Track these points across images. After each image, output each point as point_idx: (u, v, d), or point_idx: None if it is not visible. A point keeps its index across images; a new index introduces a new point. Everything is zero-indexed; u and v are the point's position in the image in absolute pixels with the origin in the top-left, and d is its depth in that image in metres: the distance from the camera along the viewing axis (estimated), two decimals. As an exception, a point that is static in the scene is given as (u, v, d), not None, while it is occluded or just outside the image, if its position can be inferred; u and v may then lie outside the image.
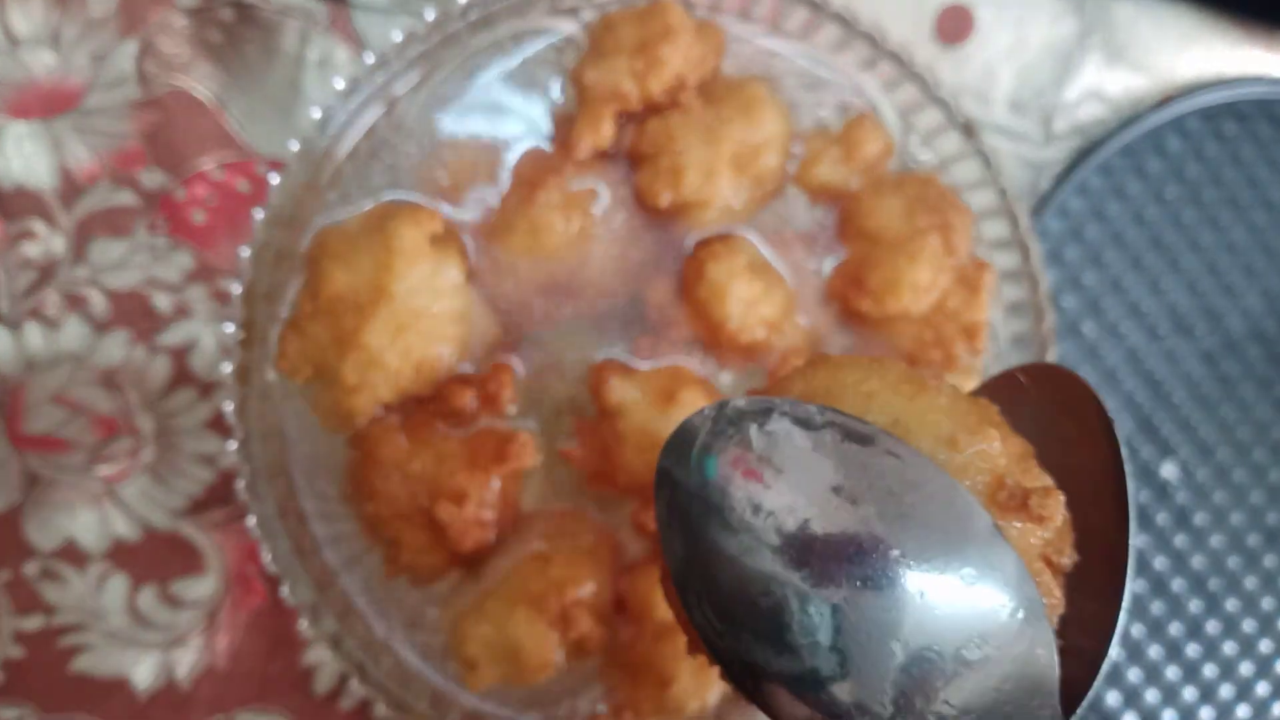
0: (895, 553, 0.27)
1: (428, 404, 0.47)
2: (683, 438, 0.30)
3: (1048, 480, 0.30)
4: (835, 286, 0.49)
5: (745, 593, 0.28)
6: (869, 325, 0.49)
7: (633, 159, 0.48)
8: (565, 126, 0.48)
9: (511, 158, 0.48)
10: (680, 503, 0.29)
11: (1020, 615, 0.27)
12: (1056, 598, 0.29)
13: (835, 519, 0.27)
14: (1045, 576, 0.29)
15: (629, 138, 0.48)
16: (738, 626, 0.28)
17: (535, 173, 0.47)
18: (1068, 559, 0.29)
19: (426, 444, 0.46)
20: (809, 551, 0.27)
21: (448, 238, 0.47)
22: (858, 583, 0.27)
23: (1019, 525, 0.28)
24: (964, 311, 0.48)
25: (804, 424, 0.29)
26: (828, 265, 0.50)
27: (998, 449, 0.29)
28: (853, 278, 0.48)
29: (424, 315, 0.45)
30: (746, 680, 0.29)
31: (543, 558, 0.46)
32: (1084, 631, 0.31)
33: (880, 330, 0.49)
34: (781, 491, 0.28)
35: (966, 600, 0.27)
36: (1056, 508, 0.28)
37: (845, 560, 0.27)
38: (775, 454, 0.29)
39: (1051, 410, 0.34)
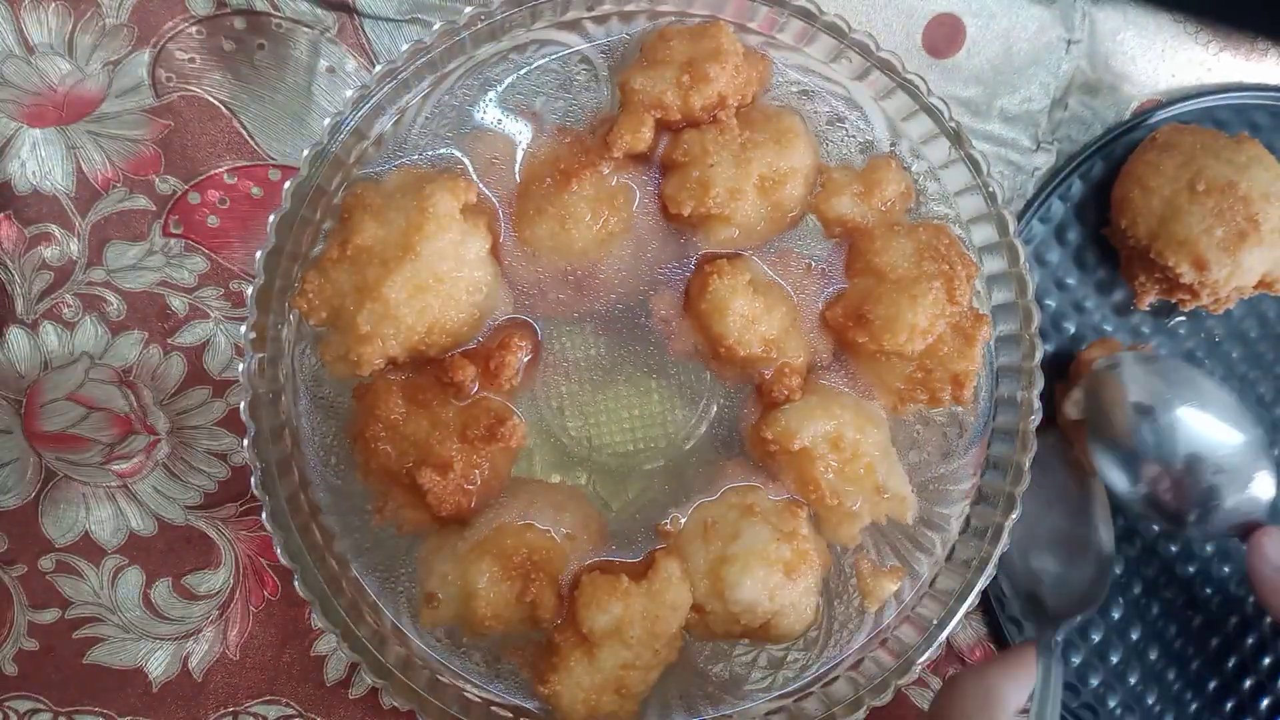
0: None
1: (431, 367, 0.48)
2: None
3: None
4: (834, 316, 0.50)
5: None
6: (862, 357, 0.51)
7: (664, 167, 0.50)
8: (605, 126, 0.49)
9: (517, 163, 0.49)
10: None
11: None
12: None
13: None
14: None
15: (663, 147, 0.50)
16: None
17: (571, 163, 0.48)
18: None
19: (423, 407, 0.47)
20: None
21: (479, 211, 0.48)
22: None
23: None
24: (955, 360, 0.50)
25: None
26: (828, 295, 0.51)
27: None
28: (854, 310, 0.49)
29: (445, 280, 0.46)
30: None
31: (527, 523, 0.47)
32: None
33: (872, 363, 0.51)
34: None
35: None
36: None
37: None
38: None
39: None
